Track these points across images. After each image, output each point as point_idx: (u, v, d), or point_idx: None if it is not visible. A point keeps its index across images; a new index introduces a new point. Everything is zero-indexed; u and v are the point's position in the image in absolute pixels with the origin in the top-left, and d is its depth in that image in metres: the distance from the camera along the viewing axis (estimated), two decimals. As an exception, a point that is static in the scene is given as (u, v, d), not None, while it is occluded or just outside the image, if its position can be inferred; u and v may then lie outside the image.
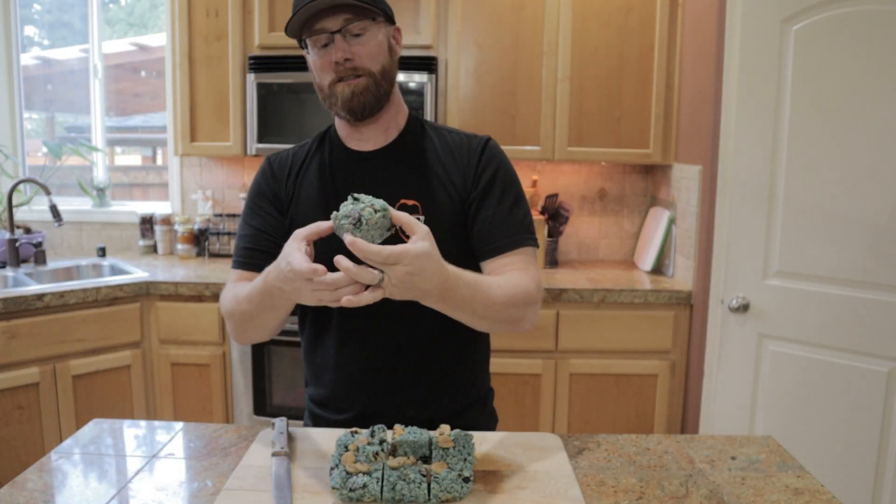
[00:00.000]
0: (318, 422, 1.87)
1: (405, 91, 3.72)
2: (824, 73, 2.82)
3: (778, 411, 3.03)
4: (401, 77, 3.71)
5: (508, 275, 1.67)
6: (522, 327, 1.67)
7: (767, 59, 2.93)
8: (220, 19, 3.92)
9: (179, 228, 4.31)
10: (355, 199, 1.36)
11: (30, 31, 4.85)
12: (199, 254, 4.36)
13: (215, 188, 4.49)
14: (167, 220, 4.40)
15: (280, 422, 1.63)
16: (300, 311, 1.87)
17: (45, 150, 4.60)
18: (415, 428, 1.50)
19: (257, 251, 1.77)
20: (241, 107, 3.94)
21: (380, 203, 1.34)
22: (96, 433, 1.69)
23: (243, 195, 4.40)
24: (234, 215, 4.41)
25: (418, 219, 1.66)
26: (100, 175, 4.68)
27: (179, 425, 1.74)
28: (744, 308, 3.05)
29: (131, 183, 4.92)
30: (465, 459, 1.39)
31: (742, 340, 3.09)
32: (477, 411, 1.88)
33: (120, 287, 3.53)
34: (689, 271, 3.59)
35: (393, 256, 1.29)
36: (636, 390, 3.61)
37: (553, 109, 3.85)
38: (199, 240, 4.35)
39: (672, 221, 3.85)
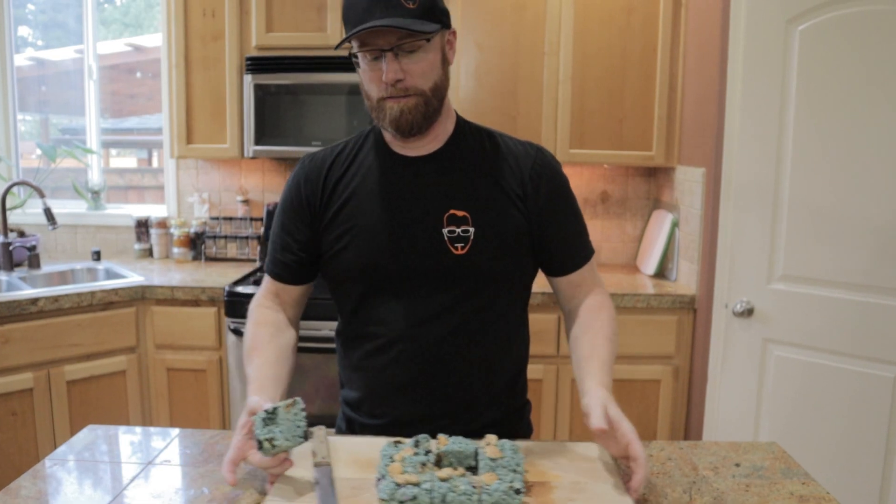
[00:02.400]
0: (351, 425, 1.86)
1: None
2: (830, 74, 2.82)
3: (783, 417, 3.03)
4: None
5: (592, 312, 1.79)
6: None
7: (772, 60, 2.93)
8: (216, 20, 3.92)
9: (175, 232, 4.31)
10: (268, 413, 1.41)
11: (24, 31, 4.85)
12: (196, 257, 4.37)
13: (212, 191, 4.49)
14: (163, 224, 4.40)
15: (319, 430, 1.58)
16: (339, 310, 1.86)
17: (39, 152, 4.60)
18: (460, 438, 1.48)
19: (282, 263, 1.81)
20: (237, 108, 3.95)
21: (279, 433, 1.39)
22: (91, 439, 1.69)
23: (240, 197, 4.41)
24: (230, 218, 4.42)
25: (466, 231, 1.68)
26: (94, 177, 4.68)
27: (175, 432, 1.74)
28: (748, 312, 3.05)
29: (127, 185, 4.92)
30: (515, 470, 1.38)
31: (746, 345, 3.09)
32: (514, 422, 1.86)
33: (115, 291, 3.53)
34: (692, 275, 3.59)
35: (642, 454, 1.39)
36: (639, 396, 3.61)
37: (554, 111, 3.85)
38: (196, 243, 4.36)
39: (675, 225, 3.85)
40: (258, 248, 4.36)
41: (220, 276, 3.86)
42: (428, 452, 1.44)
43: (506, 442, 1.49)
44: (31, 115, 4.92)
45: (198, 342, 3.64)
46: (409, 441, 1.50)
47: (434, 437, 1.55)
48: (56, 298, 3.36)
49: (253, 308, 1.82)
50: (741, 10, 3.02)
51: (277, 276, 1.82)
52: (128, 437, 1.73)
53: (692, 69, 3.68)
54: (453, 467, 1.40)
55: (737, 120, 3.05)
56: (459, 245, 1.67)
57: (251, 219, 4.42)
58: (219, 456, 1.58)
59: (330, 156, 1.81)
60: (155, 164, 5.14)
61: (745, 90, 3.01)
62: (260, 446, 1.37)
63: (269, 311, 1.81)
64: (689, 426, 3.61)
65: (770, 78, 2.94)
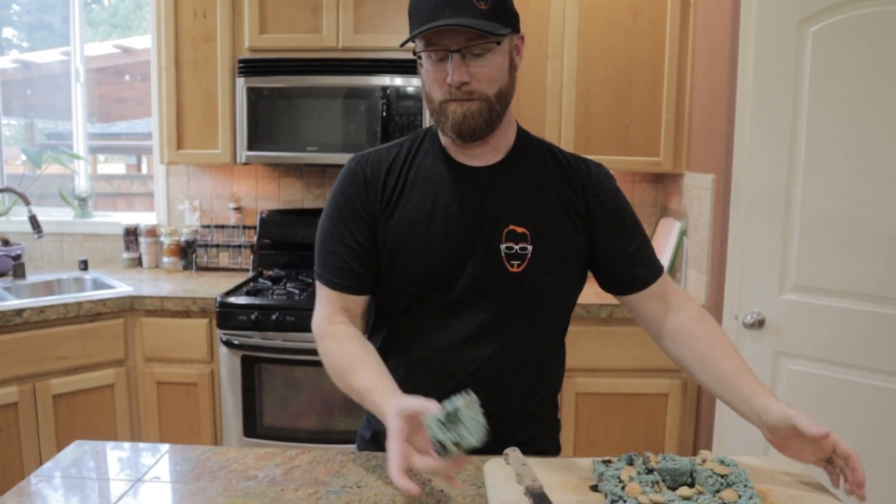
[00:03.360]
0: (376, 438, 1.85)
1: (403, 96, 3.74)
2: (844, 76, 2.82)
3: (795, 433, 3.02)
4: (398, 81, 3.74)
5: (699, 317, 1.78)
6: None
7: (784, 63, 2.94)
8: (208, 20, 3.94)
9: (165, 240, 4.32)
10: (448, 415, 1.33)
11: (8, 32, 4.88)
12: (186, 267, 4.38)
13: (203, 198, 4.50)
14: (152, 232, 4.41)
15: (515, 451, 1.55)
16: (370, 324, 1.85)
17: (24, 157, 4.61)
18: (672, 455, 1.47)
19: (349, 272, 1.74)
20: (230, 113, 3.96)
21: (467, 433, 1.32)
22: (78, 455, 1.69)
23: (232, 205, 4.42)
24: (222, 226, 4.43)
25: (524, 248, 1.68)
26: (82, 184, 4.69)
27: (165, 447, 1.74)
28: (759, 324, 3.06)
29: (115, 192, 4.93)
30: (746, 485, 1.37)
31: (757, 358, 3.09)
32: (543, 442, 1.86)
33: (103, 302, 3.54)
34: (701, 285, 3.59)
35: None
36: (646, 410, 3.62)
37: (558, 115, 3.86)
38: (186, 252, 4.37)
39: (683, 233, 3.86)
40: (251, 257, 4.37)
41: (212, 287, 3.87)
42: (651, 471, 1.42)
43: (723, 457, 1.48)
44: (15, 119, 4.93)
45: (188, 355, 3.65)
46: (619, 460, 1.48)
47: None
48: (42, 309, 3.36)
49: (325, 329, 1.75)
50: (752, 11, 3.02)
51: (346, 288, 1.75)
52: (116, 453, 1.73)
53: (701, 72, 3.70)
54: (665, 485, 1.40)
55: (747, 124, 3.05)
56: (516, 263, 1.68)
57: (244, 227, 4.44)
58: (210, 472, 1.59)
59: (387, 158, 1.78)
60: (144, 170, 5.16)
61: (756, 93, 3.01)
62: (443, 450, 1.32)
63: (345, 326, 1.74)
64: (697, 442, 3.62)
65: (782, 81, 2.94)
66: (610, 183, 1.81)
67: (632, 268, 1.79)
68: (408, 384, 1.69)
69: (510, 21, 1.63)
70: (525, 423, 1.80)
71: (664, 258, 3.97)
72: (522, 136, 1.83)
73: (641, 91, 3.86)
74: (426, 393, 1.65)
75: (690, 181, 3.79)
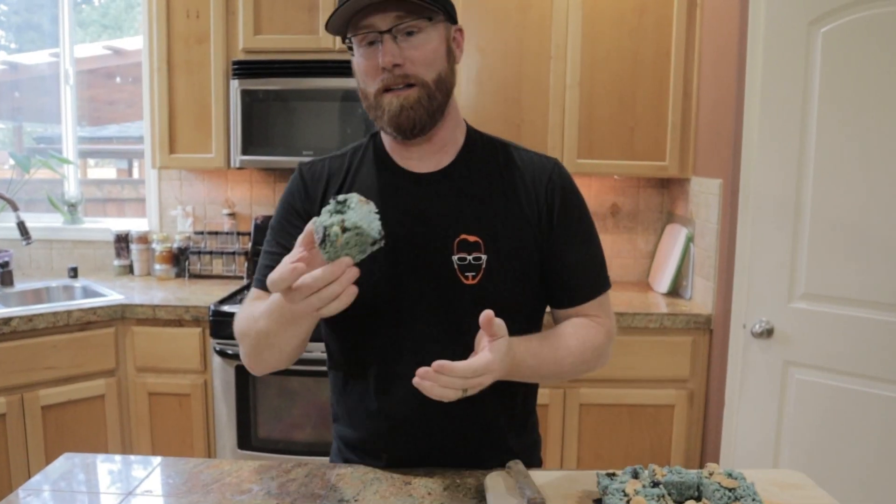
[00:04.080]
0: (348, 462, 1.81)
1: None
2: (855, 78, 2.83)
3: (805, 445, 3.03)
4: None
5: (576, 326, 1.70)
6: (593, 371, 1.74)
7: (793, 64, 2.95)
8: (201, 21, 3.94)
9: (157, 247, 4.32)
10: (338, 203, 1.32)
11: (-4, 33, 4.89)
12: (179, 275, 4.38)
13: (196, 204, 4.51)
14: (144, 239, 4.41)
15: (517, 464, 1.55)
16: (332, 342, 1.81)
17: (12, 162, 4.63)
18: (679, 468, 1.47)
19: None
20: (224, 116, 3.97)
21: (355, 217, 1.29)
22: (67, 468, 1.70)
23: (226, 210, 4.42)
24: (216, 233, 4.44)
25: (478, 258, 1.62)
26: (71, 189, 4.70)
27: (157, 460, 1.75)
28: (767, 333, 3.06)
29: (105, 198, 4.94)
30: (754, 499, 1.38)
31: (766, 368, 3.10)
32: (524, 458, 1.79)
33: (93, 310, 3.55)
34: (708, 293, 3.60)
35: (478, 371, 1.35)
36: (651, 422, 3.62)
37: (561, 118, 3.87)
38: (179, 259, 4.37)
39: (690, 239, 3.86)
40: (245, 264, 4.38)
41: (206, 295, 3.87)
42: (657, 484, 1.42)
43: (731, 470, 1.47)
44: (3, 122, 4.94)
45: (181, 365, 3.65)
46: (624, 473, 1.48)
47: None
48: (30, 318, 3.37)
49: (238, 315, 1.70)
50: (760, 11, 3.03)
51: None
52: (107, 466, 1.74)
53: (708, 74, 3.70)
54: (673, 499, 1.40)
55: (755, 128, 3.06)
56: (470, 274, 1.63)
57: (238, 233, 4.44)
58: (204, 486, 1.59)
59: (329, 167, 1.77)
60: (136, 174, 5.17)
61: (765, 96, 3.02)
62: (323, 241, 1.28)
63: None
64: (704, 454, 3.62)
65: (791, 83, 2.95)
66: (562, 182, 1.74)
67: (569, 281, 1.73)
68: (371, 406, 1.70)
69: (444, 5, 1.61)
70: (498, 440, 1.75)
71: (670, 266, 3.97)
72: (472, 135, 1.79)
73: (647, 93, 3.87)
74: (391, 414, 1.68)
75: (697, 186, 3.79)
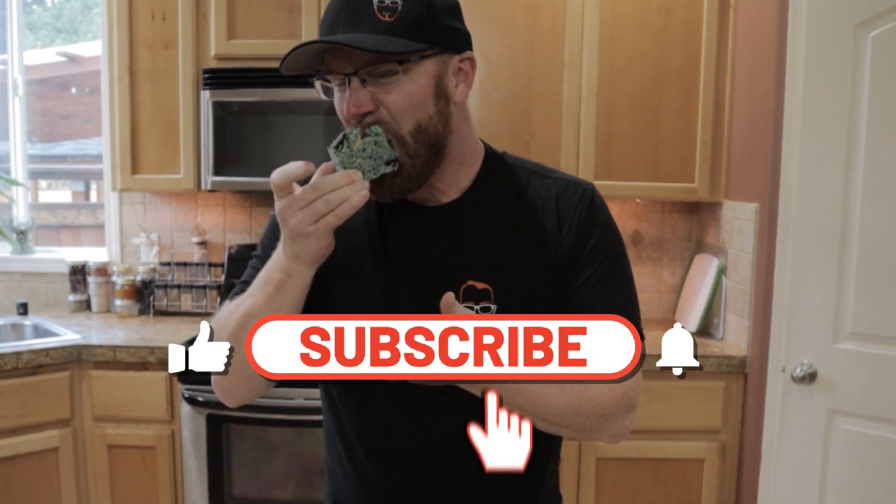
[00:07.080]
0: None
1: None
2: (907, 89, 2.84)
3: (852, 502, 3.04)
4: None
5: None
6: (601, 439, 1.65)
7: (839, 73, 2.94)
8: (168, 24, 3.97)
9: (118, 280, 4.34)
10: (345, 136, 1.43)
11: (-64, 38, 4.92)
12: (143, 311, 4.39)
13: (162, 231, 4.53)
14: (103, 271, 4.43)
15: None
16: (328, 423, 1.79)
17: (-47, 183, 4.64)
18: None
19: None
20: (193, 131, 3.98)
21: (361, 157, 1.41)
22: (22, 531, 1.72)
23: (196, 239, 4.45)
24: (184, 264, 4.46)
25: (486, 308, 1.55)
26: (21, 215, 4.72)
27: (123, 521, 1.77)
28: (810, 377, 3.06)
29: (59, 224, 4.96)
30: None
31: (808, 417, 3.10)
32: None
33: (45, 352, 3.55)
34: (742, 333, 3.61)
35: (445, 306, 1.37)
36: (678, 478, 3.62)
37: (576, 134, 3.88)
38: (143, 294, 4.38)
39: (722, 271, 3.88)
40: (218, 299, 4.39)
41: (172, 334, 3.89)
42: None
43: None
44: (-57, 138, 4.97)
45: (145, 414, 3.65)
46: None
47: None
48: (-26, 361, 3.38)
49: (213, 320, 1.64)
50: (802, 14, 3.02)
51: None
52: (66, 528, 1.76)
53: (742, 84, 3.73)
54: None
55: (796, 145, 3.06)
56: None
57: (209, 265, 4.46)
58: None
59: None
60: (93, 198, 5.18)
61: (807, 109, 3.02)
62: (340, 143, 1.41)
63: None
64: (741, 516, 3.63)
65: (837, 94, 2.95)
66: (599, 215, 1.69)
67: (570, 299, 1.63)
68: (368, 472, 1.69)
69: (430, 36, 1.51)
70: (515, 500, 1.74)
71: (700, 301, 3.99)
72: (491, 163, 1.71)
73: (673, 106, 3.87)
74: (391, 482, 1.67)
75: (730, 211, 3.80)
